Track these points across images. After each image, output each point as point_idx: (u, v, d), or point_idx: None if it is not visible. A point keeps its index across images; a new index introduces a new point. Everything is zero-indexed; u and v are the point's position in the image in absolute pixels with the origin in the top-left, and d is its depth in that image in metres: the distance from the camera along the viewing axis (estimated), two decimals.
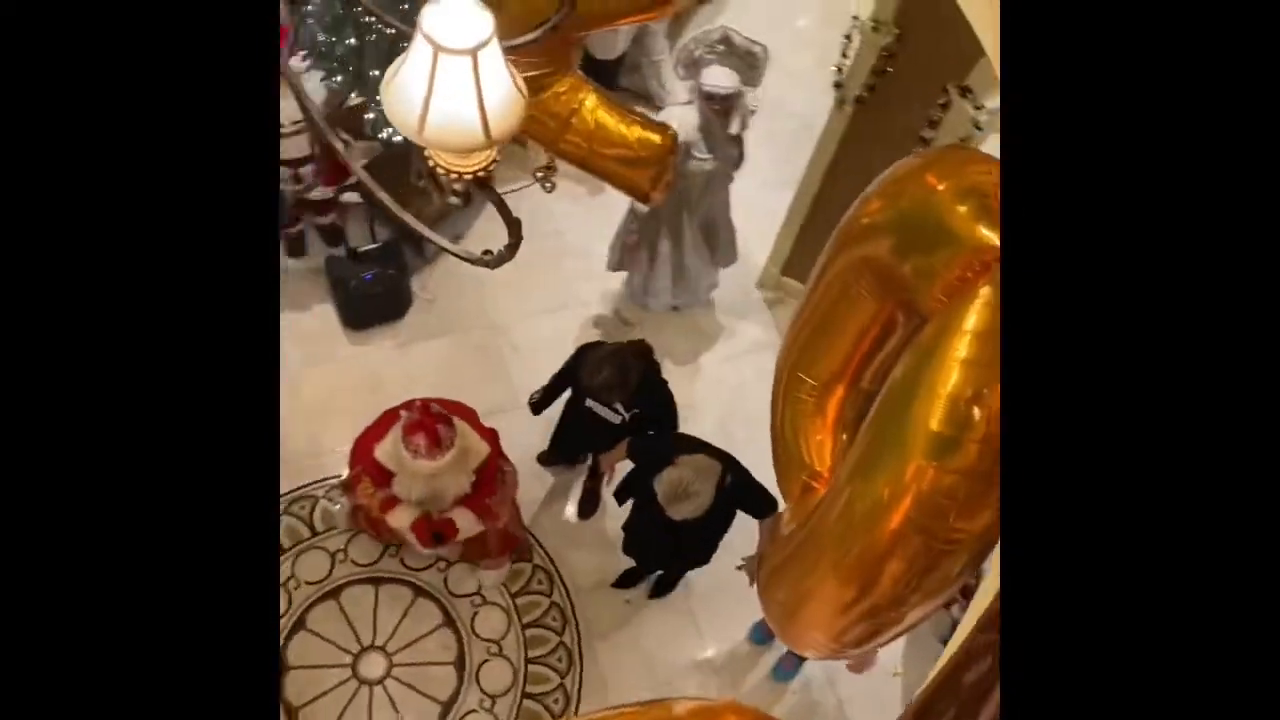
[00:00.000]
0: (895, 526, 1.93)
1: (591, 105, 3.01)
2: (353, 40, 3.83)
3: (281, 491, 4.65)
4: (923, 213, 2.03)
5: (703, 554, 4.07)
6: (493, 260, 1.90)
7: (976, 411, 1.86)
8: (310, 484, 4.70)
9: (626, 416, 4.07)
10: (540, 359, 5.12)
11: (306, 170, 4.67)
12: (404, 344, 5.09)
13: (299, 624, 4.40)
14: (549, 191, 4.15)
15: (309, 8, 3.83)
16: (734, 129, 4.17)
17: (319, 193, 4.81)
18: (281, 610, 4.36)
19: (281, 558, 4.49)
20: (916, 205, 2.05)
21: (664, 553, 4.26)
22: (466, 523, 4.02)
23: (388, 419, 3.94)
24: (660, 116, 4.26)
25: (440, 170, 1.73)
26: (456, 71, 1.51)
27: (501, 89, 1.57)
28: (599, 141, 3.04)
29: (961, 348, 1.87)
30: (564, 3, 1.80)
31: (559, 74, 2.97)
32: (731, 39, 3.82)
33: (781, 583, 2.29)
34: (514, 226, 1.88)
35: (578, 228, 5.46)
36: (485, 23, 1.51)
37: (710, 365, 5.28)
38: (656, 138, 3.05)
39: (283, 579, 4.44)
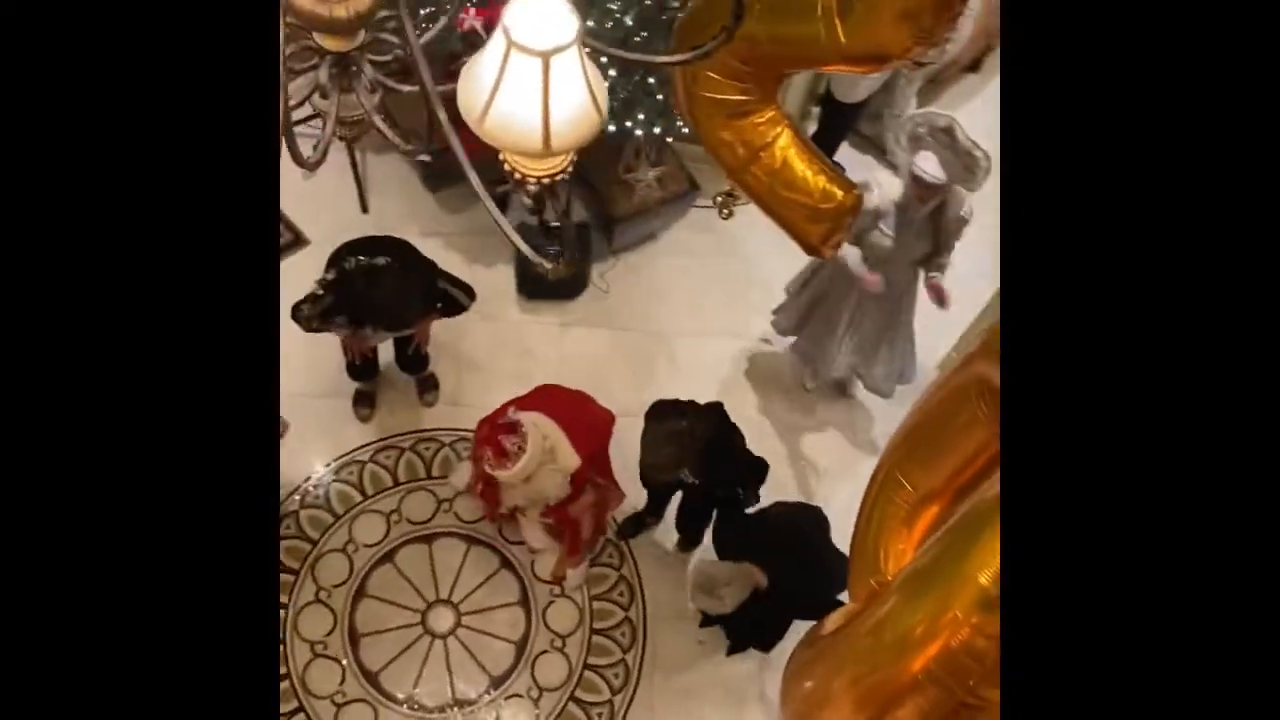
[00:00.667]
0: (917, 669, 1.76)
1: (784, 143, 2.92)
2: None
3: (411, 430, 4.81)
4: None
5: (771, 634, 3.93)
6: (550, 270, 1.85)
7: None
8: (441, 429, 4.82)
9: (696, 481, 4.02)
10: (693, 380, 5.07)
11: None
12: (567, 325, 5.15)
13: (383, 563, 4.52)
14: (725, 219, 4.12)
15: None
16: (922, 215, 3.93)
17: None
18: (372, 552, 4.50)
19: (392, 489, 4.64)
20: None
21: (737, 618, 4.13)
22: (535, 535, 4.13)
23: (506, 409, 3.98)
24: (872, 175, 4.11)
25: (509, 167, 1.66)
26: (526, 72, 1.44)
27: (573, 100, 1.49)
28: (781, 182, 2.95)
29: None
30: (723, 29, 1.73)
31: (762, 104, 2.90)
32: (955, 133, 3.55)
33: (805, 678, 2.16)
34: (570, 244, 1.79)
35: (773, 262, 5.35)
36: (569, 27, 1.44)
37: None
38: (839, 193, 2.92)
39: (390, 510, 4.59)
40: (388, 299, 4.06)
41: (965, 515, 1.89)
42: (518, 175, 1.66)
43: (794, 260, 5.07)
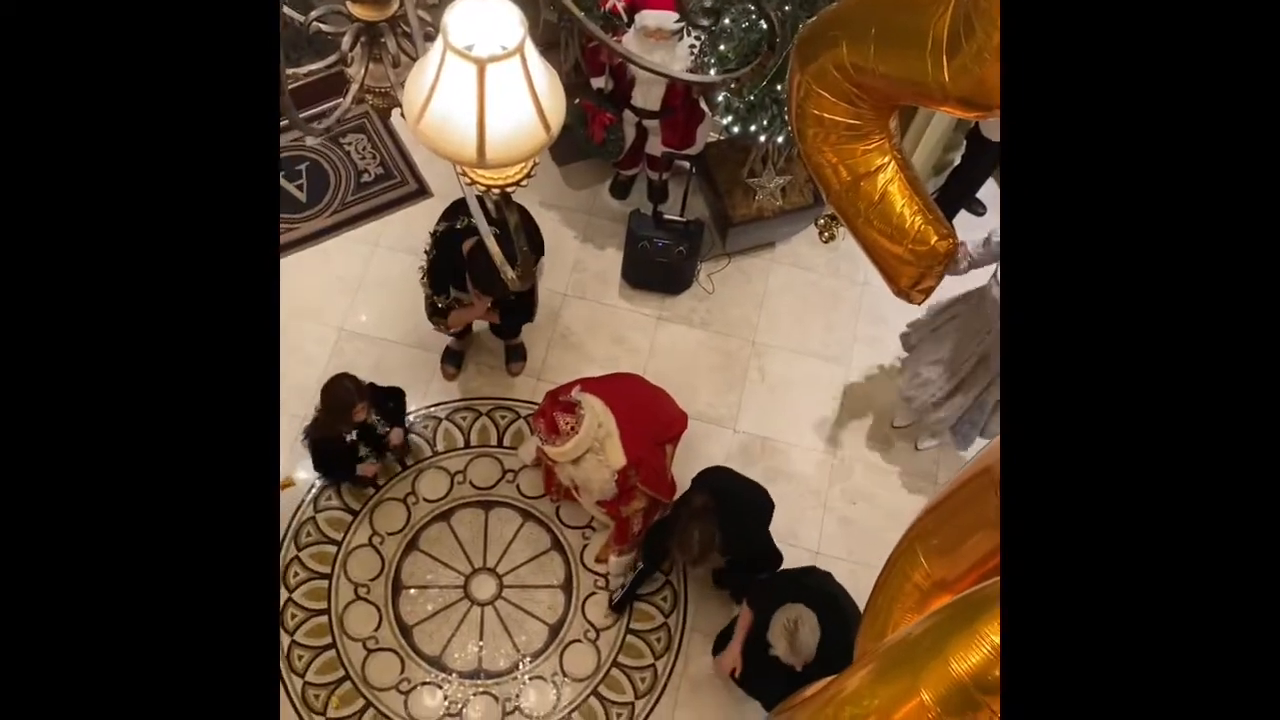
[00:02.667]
0: None
1: (888, 176, 2.76)
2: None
3: (491, 396, 4.85)
4: None
5: None
6: (511, 281, 1.78)
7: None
8: (520, 400, 4.84)
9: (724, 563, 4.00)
10: (780, 397, 4.96)
11: (653, 124, 4.73)
12: (663, 319, 5.09)
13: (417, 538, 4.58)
14: (825, 242, 3.96)
15: None
16: None
17: (659, 149, 4.85)
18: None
19: (462, 450, 4.69)
20: None
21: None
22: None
23: (574, 386, 3.95)
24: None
25: (459, 171, 1.58)
26: (462, 78, 1.35)
27: (513, 113, 1.39)
28: (877, 214, 2.79)
29: None
30: (768, 48, 1.62)
31: (871, 131, 2.74)
32: None
33: None
34: (525, 258, 1.73)
35: (888, 293, 5.15)
36: (514, 35, 1.34)
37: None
38: (934, 238, 2.75)
39: (456, 471, 4.64)
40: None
41: (956, 603, 1.76)
42: (468, 180, 1.57)
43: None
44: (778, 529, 4.19)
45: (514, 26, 1.34)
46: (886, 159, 2.78)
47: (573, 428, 3.69)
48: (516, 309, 4.41)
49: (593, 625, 4.42)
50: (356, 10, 1.54)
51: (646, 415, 4.00)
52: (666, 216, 4.90)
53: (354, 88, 1.66)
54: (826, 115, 2.73)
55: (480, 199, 1.62)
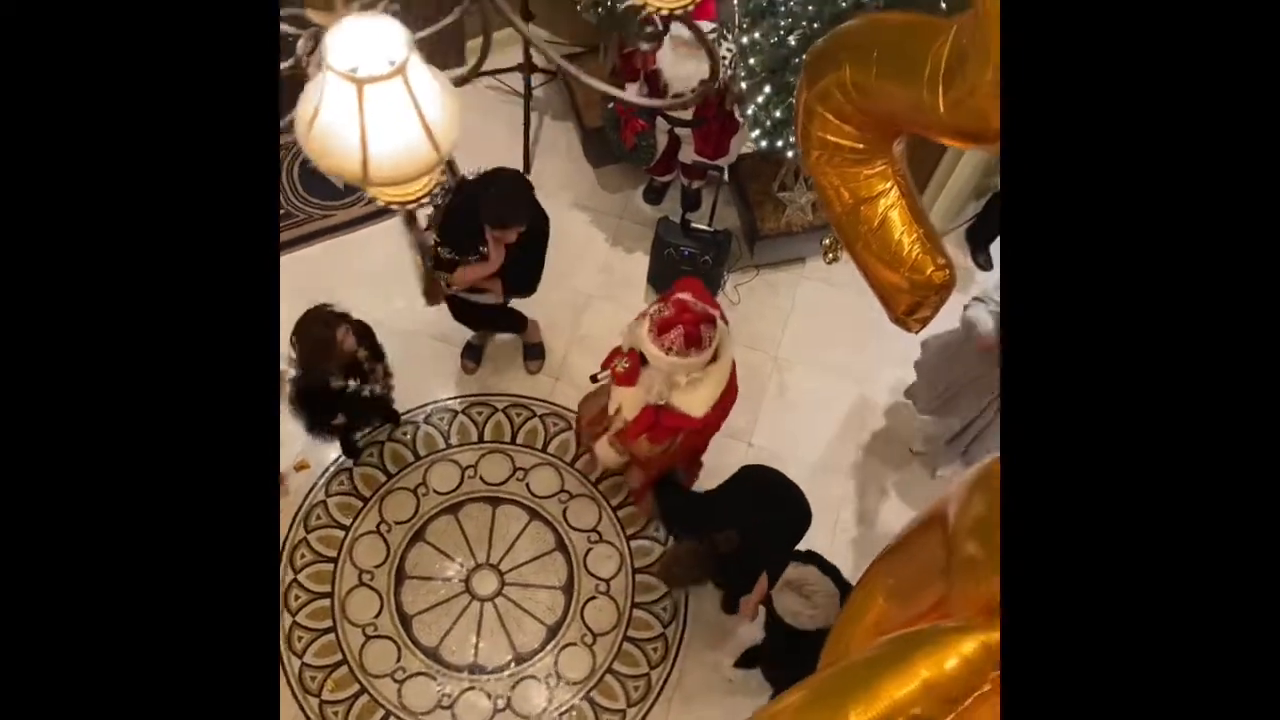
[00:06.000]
0: None
1: (889, 202, 2.72)
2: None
3: (508, 393, 4.87)
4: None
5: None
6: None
7: None
8: (536, 399, 4.86)
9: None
10: (799, 413, 4.91)
11: (686, 132, 4.71)
12: None
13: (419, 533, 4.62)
14: (829, 263, 3.92)
15: None
16: None
17: (691, 157, 4.84)
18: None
19: (475, 444, 4.72)
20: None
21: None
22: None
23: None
24: None
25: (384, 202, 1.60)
26: (343, 96, 1.34)
27: (397, 132, 1.39)
28: (876, 239, 2.75)
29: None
30: (710, 78, 1.60)
31: (873, 156, 2.71)
32: None
33: None
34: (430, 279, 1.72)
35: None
36: (396, 55, 1.33)
37: None
38: (930, 268, 2.70)
39: (468, 465, 4.68)
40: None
41: (895, 638, 1.74)
42: (391, 205, 1.61)
43: (939, 320, 4.81)
44: None
45: (399, 46, 1.34)
46: (889, 184, 2.74)
47: (711, 340, 3.55)
48: (516, 279, 4.26)
49: (591, 630, 4.42)
50: (313, 15, 1.55)
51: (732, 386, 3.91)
52: (694, 225, 4.88)
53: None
54: (830, 137, 2.70)
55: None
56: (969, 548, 1.74)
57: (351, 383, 4.04)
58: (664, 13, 1.61)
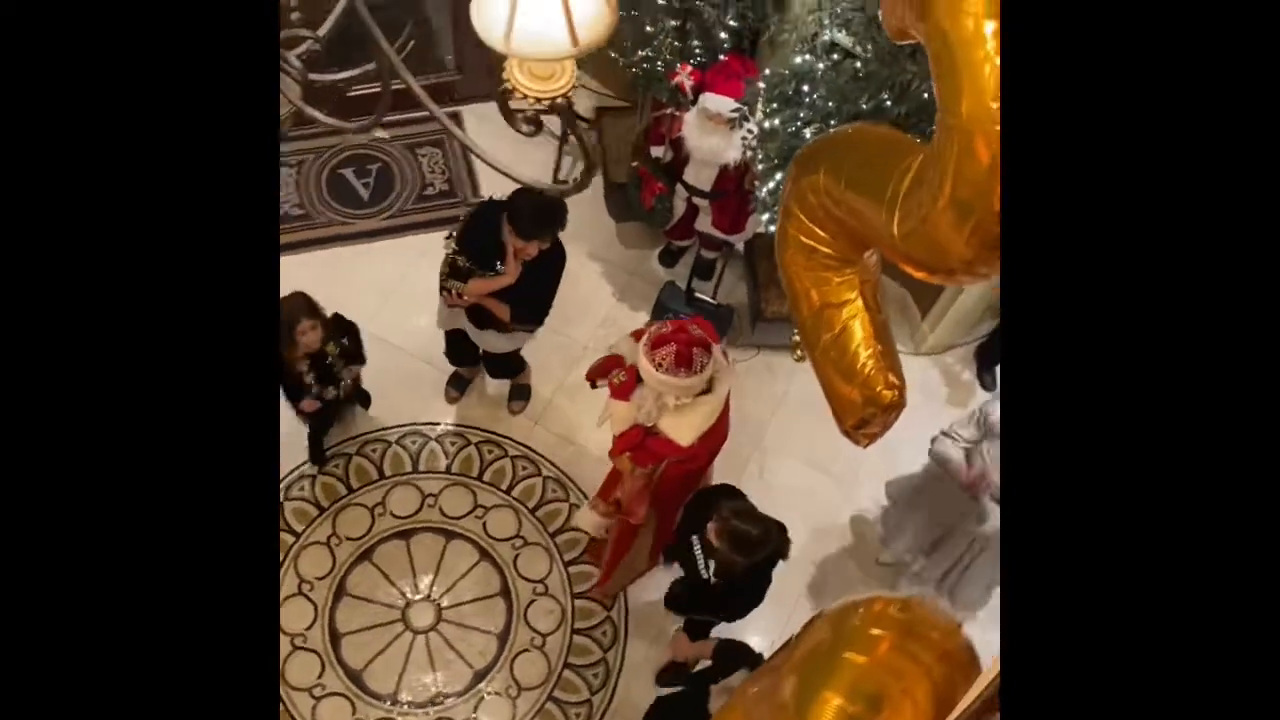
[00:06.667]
0: None
1: (852, 312, 2.66)
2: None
3: (484, 428, 4.85)
4: None
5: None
6: (569, 188, 1.84)
7: None
8: (511, 440, 4.84)
9: (712, 577, 3.73)
10: (774, 500, 4.76)
11: (705, 203, 4.70)
12: None
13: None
14: (797, 360, 3.85)
15: None
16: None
17: (707, 227, 4.83)
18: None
19: (441, 474, 4.70)
20: None
21: None
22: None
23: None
24: None
25: (519, 95, 1.67)
26: None
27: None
28: (835, 347, 2.69)
29: None
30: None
31: (842, 263, 2.66)
32: None
33: None
34: (590, 155, 1.87)
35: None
36: None
37: None
38: (879, 387, 2.63)
39: (429, 493, 4.65)
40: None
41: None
42: (520, 94, 1.66)
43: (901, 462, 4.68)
44: (736, 631, 4.06)
45: None
46: (854, 294, 2.69)
47: (703, 367, 3.55)
48: (526, 303, 4.20)
49: (517, 683, 4.35)
50: None
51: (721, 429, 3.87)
52: (698, 294, 4.86)
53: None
54: (803, 238, 2.66)
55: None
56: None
57: (309, 378, 4.08)
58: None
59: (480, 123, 5.62)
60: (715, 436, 3.87)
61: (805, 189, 2.57)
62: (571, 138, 1.93)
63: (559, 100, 1.64)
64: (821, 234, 2.62)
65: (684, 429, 3.74)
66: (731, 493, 3.84)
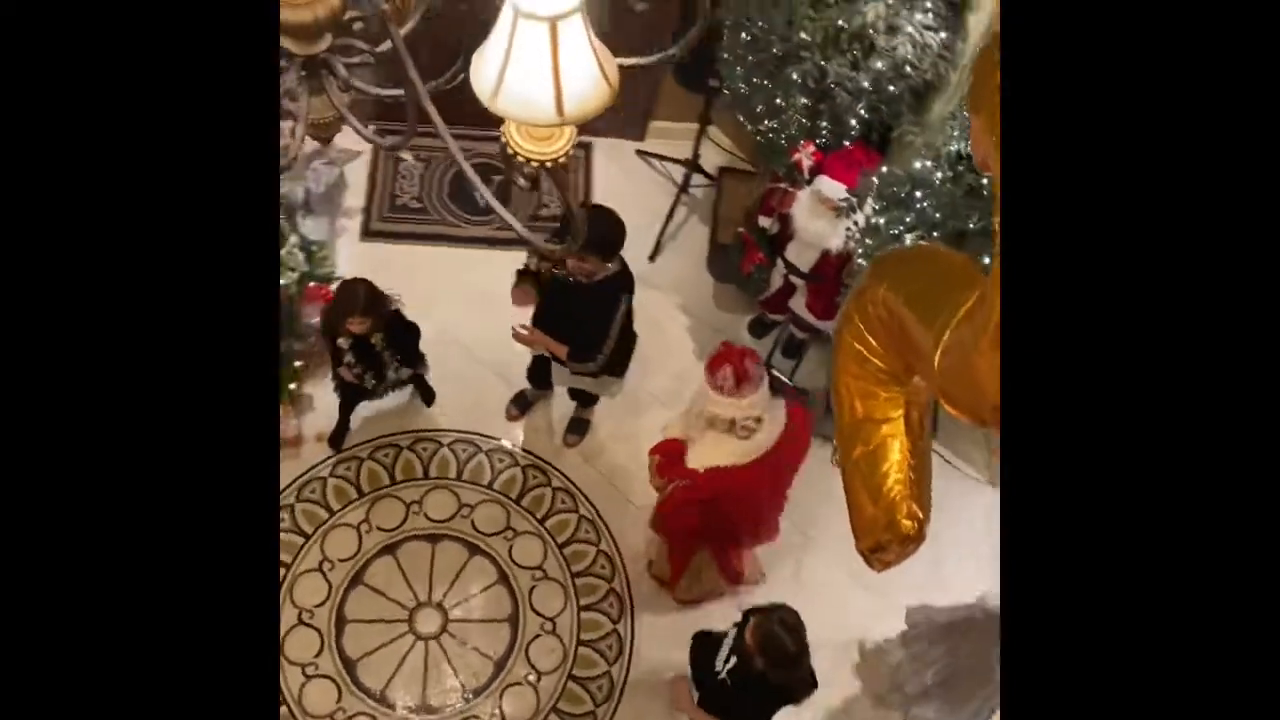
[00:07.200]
0: None
1: (893, 430, 2.56)
2: None
3: (535, 452, 4.85)
4: None
5: None
6: (559, 250, 1.81)
7: None
8: (559, 470, 4.82)
9: (725, 674, 3.59)
10: (802, 596, 4.61)
11: (801, 283, 4.62)
12: None
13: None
14: (834, 465, 3.71)
15: None
16: None
17: (801, 308, 4.75)
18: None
19: (483, 487, 4.71)
20: None
21: None
22: None
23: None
24: None
25: (513, 153, 1.66)
26: (534, 40, 1.42)
27: (582, 68, 1.46)
28: (867, 462, 2.59)
29: None
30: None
31: (895, 382, 2.57)
32: None
33: None
34: (576, 220, 1.83)
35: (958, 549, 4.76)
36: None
37: None
38: (901, 515, 2.52)
39: (461, 504, 4.68)
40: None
41: None
42: (518, 157, 1.66)
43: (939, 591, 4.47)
44: None
45: None
46: (898, 413, 2.60)
47: (761, 380, 3.65)
48: (581, 340, 4.19)
49: (502, 713, 4.30)
50: (293, 47, 1.59)
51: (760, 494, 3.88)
52: (775, 371, 4.77)
53: (300, 125, 1.71)
54: (858, 345, 2.59)
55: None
56: None
57: (350, 358, 4.22)
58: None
59: (608, 159, 5.71)
60: (735, 484, 3.77)
61: (868, 297, 2.49)
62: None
63: (550, 164, 1.62)
64: (875, 345, 2.55)
65: (701, 454, 3.76)
66: (792, 611, 3.68)
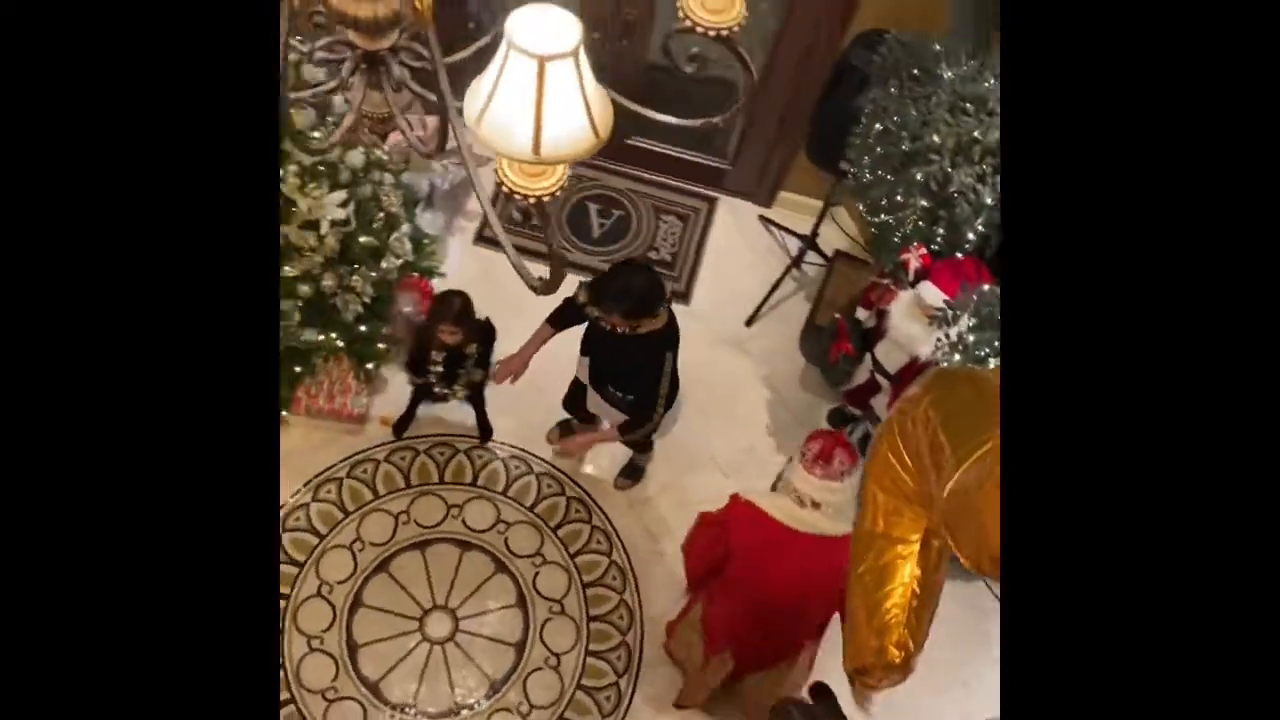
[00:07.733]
0: None
1: (906, 553, 2.45)
2: None
3: (581, 483, 4.83)
4: None
5: None
6: (540, 286, 1.81)
7: None
8: (600, 505, 4.79)
9: None
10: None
11: (885, 383, 4.50)
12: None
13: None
14: None
15: None
16: None
17: (885, 406, 4.61)
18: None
19: (526, 509, 4.72)
20: None
21: None
22: None
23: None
24: None
25: (505, 187, 1.67)
26: (522, 74, 1.43)
27: (567, 112, 1.46)
28: (872, 577, 2.48)
29: None
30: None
31: (921, 505, 2.46)
32: None
33: None
34: (556, 260, 1.81)
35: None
36: (570, 39, 1.43)
37: None
38: (891, 646, 2.40)
39: (495, 517, 4.69)
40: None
41: None
42: (506, 190, 1.66)
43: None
44: None
45: (570, 30, 1.45)
46: (916, 538, 2.49)
47: (843, 476, 3.36)
48: (636, 408, 4.14)
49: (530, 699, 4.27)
50: (357, 40, 1.63)
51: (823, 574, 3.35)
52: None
53: (351, 115, 1.75)
54: (891, 457, 2.50)
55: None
56: None
57: (438, 367, 4.33)
58: (710, 33, 1.60)
59: (729, 215, 5.70)
60: (755, 524, 3.50)
61: (912, 410, 2.40)
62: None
63: (542, 199, 1.63)
64: (909, 462, 2.44)
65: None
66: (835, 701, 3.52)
